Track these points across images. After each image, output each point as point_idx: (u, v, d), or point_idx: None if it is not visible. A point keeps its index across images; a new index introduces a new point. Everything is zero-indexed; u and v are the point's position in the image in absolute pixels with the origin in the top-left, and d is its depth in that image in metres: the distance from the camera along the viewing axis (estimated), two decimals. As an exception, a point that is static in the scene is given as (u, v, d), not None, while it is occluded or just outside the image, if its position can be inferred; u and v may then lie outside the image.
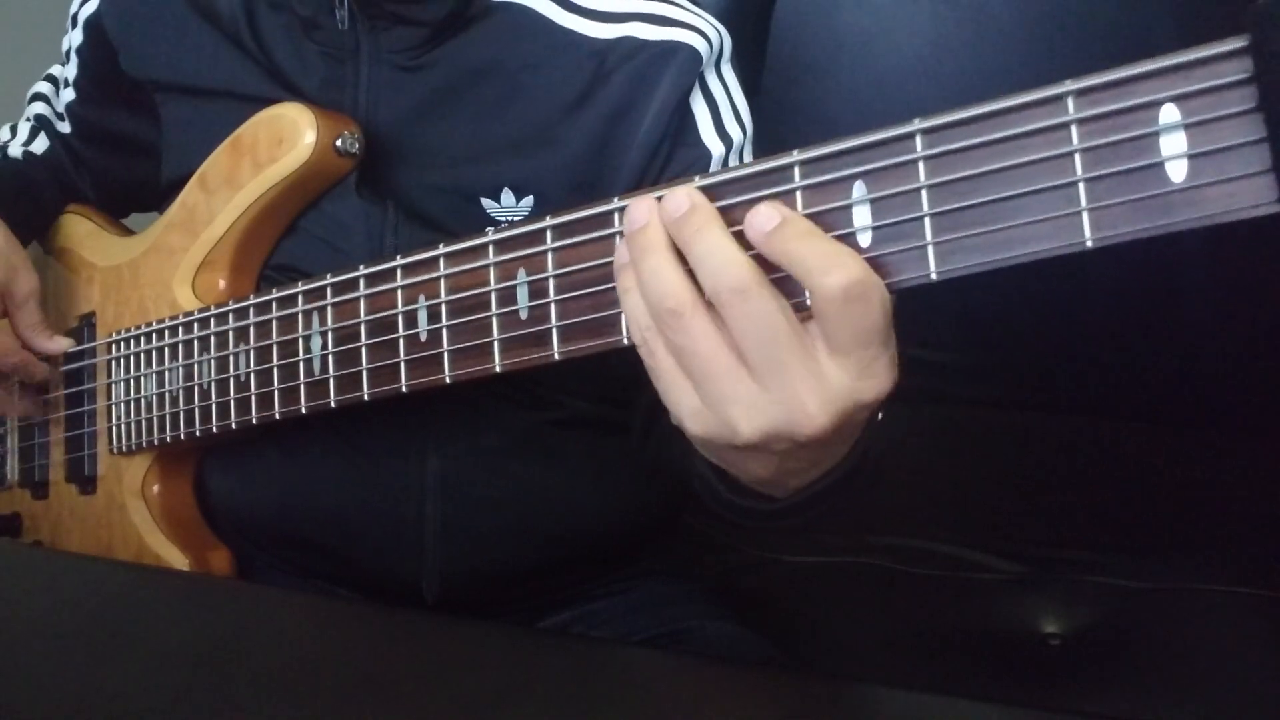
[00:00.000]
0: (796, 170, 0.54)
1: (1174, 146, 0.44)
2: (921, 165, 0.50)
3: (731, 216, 0.56)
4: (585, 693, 0.64)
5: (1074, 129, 0.46)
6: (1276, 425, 1.25)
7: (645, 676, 0.68)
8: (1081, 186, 0.46)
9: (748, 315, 0.53)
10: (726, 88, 0.94)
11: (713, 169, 0.91)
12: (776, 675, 0.71)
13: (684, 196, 0.56)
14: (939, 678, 1.14)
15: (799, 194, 0.54)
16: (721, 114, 0.93)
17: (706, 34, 0.91)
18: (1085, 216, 0.46)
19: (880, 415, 0.61)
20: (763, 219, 0.54)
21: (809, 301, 0.53)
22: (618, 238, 0.61)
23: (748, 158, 0.95)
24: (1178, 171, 0.44)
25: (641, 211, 0.58)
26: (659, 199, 0.57)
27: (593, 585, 1.03)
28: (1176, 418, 1.32)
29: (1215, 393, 1.31)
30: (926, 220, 0.50)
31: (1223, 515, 1.28)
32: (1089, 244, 0.46)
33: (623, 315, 0.60)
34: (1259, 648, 1.14)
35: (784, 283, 0.54)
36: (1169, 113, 0.44)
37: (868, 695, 0.65)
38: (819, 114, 1.38)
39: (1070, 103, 0.46)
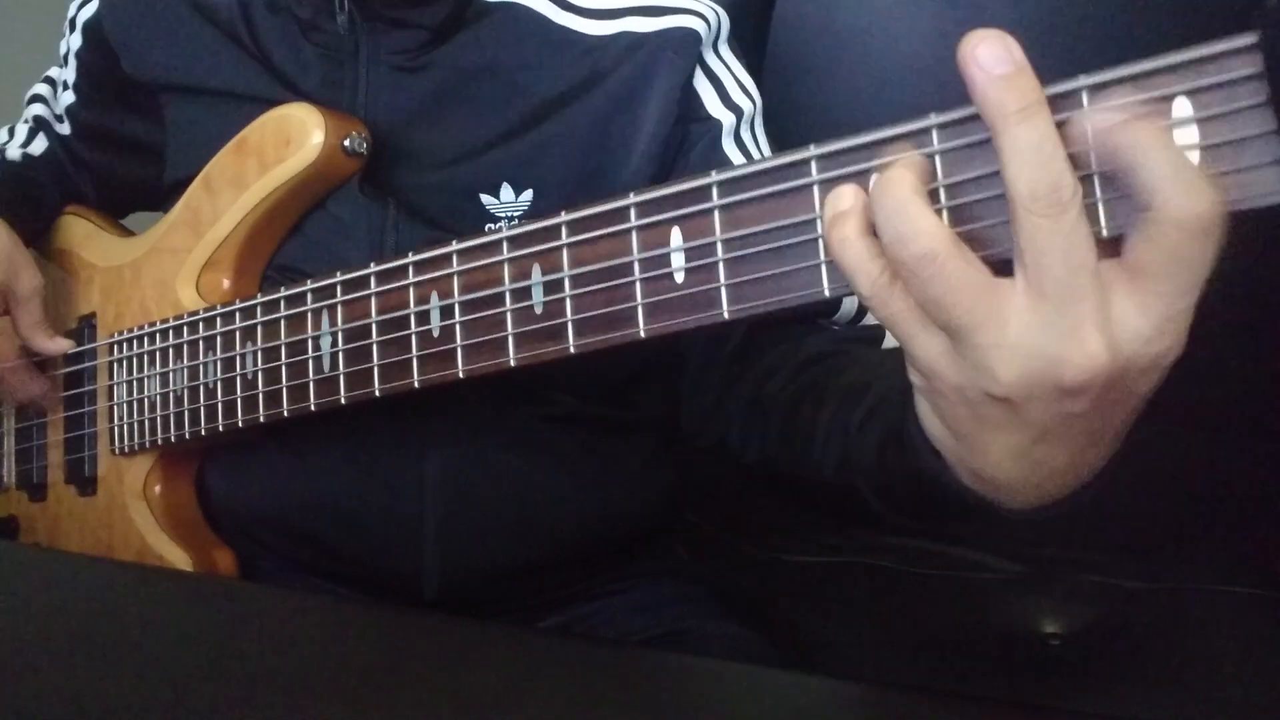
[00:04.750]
0: (814, 165, 0.54)
1: (1186, 139, 0.45)
2: (939, 160, 0.50)
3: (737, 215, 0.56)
4: (585, 693, 0.64)
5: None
6: (1277, 425, 1.25)
7: (645, 676, 0.68)
8: (1097, 179, 0.46)
9: (1061, 231, 0.45)
10: (727, 65, 0.95)
11: (725, 138, 0.92)
12: (776, 675, 0.71)
13: (1003, 48, 0.45)
14: (939, 678, 1.14)
15: (815, 188, 0.54)
16: (726, 87, 0.94)
17: (704, 14, 0.92)
18: (1101, 207, 0.46)
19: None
20: (1113, 111, 0.45)
21: (1147, 221, 0.44)
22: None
23: (759, 128, 0.96)
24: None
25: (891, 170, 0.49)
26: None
27: (593, 584, 1.03)
28: (1176, 418, 1.32)
29: (1215, 393, 1.31)
30: (945, 212, 0.50)
31: (1223, 515, 1.28)
32: (1103, 234, 0.46)
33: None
34: (1259, 648, 1.14)
35: None
36: (1181, 106, 0.45)
37: (868, 695, 0.65)
38: (819, 114, 1.38)
39: (1085, 96, 0.47)
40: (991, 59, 0.45)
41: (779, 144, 0.95)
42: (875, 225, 0.49)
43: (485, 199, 0.91)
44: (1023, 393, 0.48)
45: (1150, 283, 0.45)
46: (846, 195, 0.51)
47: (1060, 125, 0.46)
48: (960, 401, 0.51)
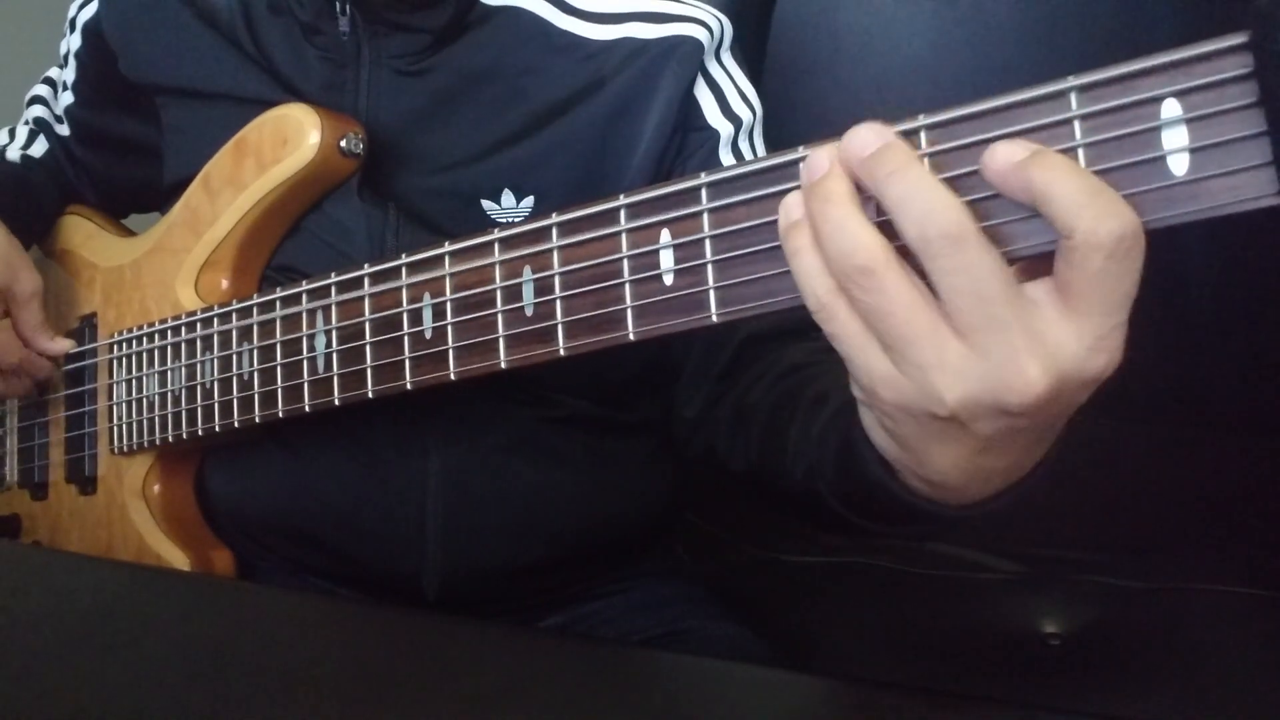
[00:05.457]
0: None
1: (1176, 140, 0.45)
2: (926, 162, 0.50)
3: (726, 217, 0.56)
4: (585, 693, 0.64)
5: (1077, 124, 0.47)
6: (1277, 425, 1.25)
7: (645, 676, 0.68)
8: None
9: (962, 268, 0.46)
10: (729, 73, 0.95)
11: (723, 148, 0.92)
12: (776, 675, 0.71)
13: (870, 133, 0.49)
14: (939, 678, 1.14)
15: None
16: (727, 97, 0.93)
17: (707, 23, 0.92)
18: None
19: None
20: (1010, 149, 0.47)
21: (1066, 248, 0.45)
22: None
23: (758, 139, 0.96)
24: (1179, 165, 0.45)
25: (822, 160, 0.51)
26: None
27: (593, 584, 1.03)
28: (1176, 418, 1.32)
29: (1215, 393, 1.31)
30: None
31: (1223, 515, 1.28)
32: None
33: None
34: (1259, 648, 1.14)
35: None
36: (1170, 108, 0.45)
37: (868, 695, 0.65)
38: (819, 114, 1.38)
39: (1073, 98, 0.47)
40: (859, 145, 0.49)
41: (778, 144, 0.95)
42: (818, 239, 0.50)
43: (486, 204, 0.91)
44: (968, 414, 0.49)
45: (1080, 304, 0.46)
46: (797, 206, 0.52)
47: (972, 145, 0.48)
48: (904, 419, 0.53)
